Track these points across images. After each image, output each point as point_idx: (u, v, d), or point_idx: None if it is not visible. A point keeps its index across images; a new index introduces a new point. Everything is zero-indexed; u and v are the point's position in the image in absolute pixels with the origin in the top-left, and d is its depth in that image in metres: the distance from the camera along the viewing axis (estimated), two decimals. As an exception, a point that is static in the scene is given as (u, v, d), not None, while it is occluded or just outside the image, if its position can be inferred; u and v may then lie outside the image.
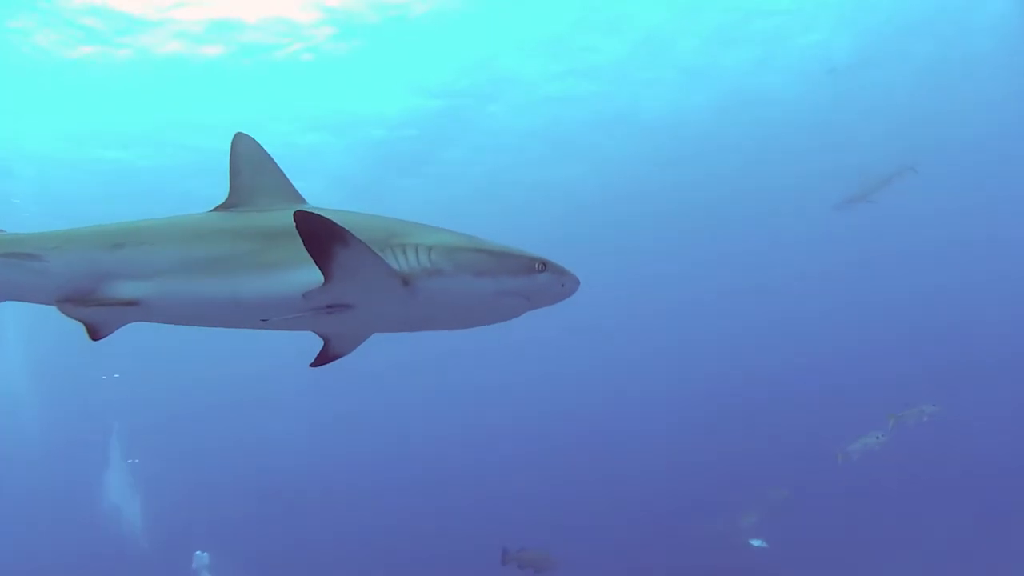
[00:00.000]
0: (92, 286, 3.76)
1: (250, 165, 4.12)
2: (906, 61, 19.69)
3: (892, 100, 20.96)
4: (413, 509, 21.92)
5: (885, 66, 19.75)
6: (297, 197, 4.14)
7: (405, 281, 3.46)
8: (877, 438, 9.51)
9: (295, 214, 3.17)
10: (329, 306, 3.57)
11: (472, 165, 22.78)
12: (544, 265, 3.64)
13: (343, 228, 3.19)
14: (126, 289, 3.74)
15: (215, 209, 4.13)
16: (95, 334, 3.94)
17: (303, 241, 3.24)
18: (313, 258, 3.30)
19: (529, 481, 21.82)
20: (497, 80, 19.01)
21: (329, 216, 3.55)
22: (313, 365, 4.32)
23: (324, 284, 3.41)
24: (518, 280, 3.60)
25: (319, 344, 4.17)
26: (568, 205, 24.57)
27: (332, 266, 3.32)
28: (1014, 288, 24.81)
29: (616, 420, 25.36)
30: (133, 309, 3.76)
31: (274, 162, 4.15)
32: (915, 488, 16.51)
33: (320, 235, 3.23)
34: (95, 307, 3.74)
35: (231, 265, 3.68)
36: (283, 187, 4.14)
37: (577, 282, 3.76)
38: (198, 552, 15.65)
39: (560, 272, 3.70)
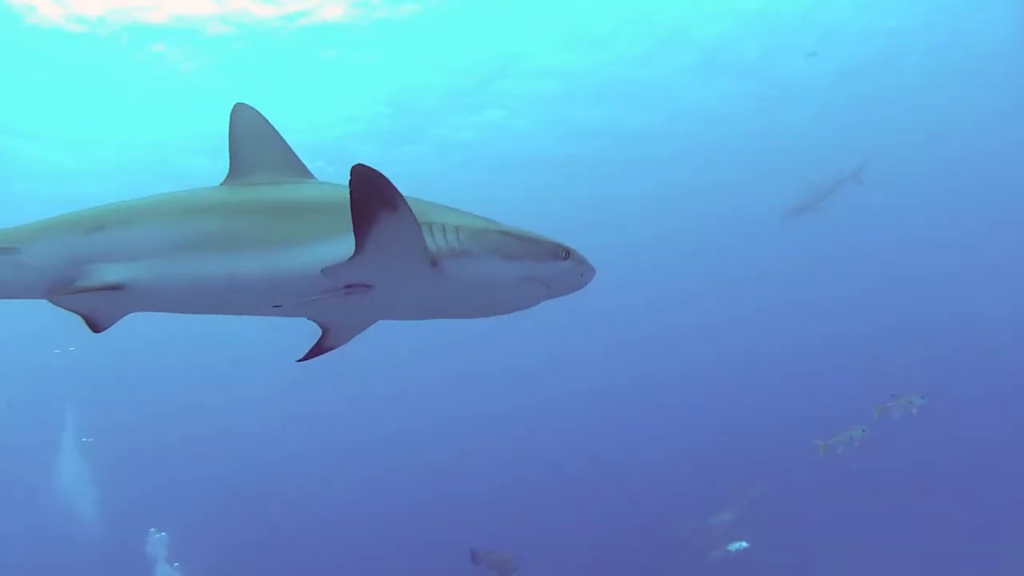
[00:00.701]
0: (73, 273, 3.50)
1: (251, 137, 3.83)
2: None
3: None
4: (379, 503, 21.88)
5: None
6: (304, 171, 3.88)
7: (433, 262, 3.27)
8: (862, 431, 9.42)
9: (353, 167, 2.90)
10: (348, 286, 3.32)
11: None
12: (568, 252, 3.53)
13: (399, 192, 2.96)
14: (107, 273, 3.45)
15: (223, 184, 3.86)
16: (94, 325, 3.70)
17: (353, 200, 2.96)
18: (355, 223, 3.02)
19: (499, 480, 21.77)
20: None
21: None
22: (303, 359, 4.09)
23: (352, 258, 3.13)
24: (543, 266, 3.48)
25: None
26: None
27: (371, 236, 3.06)
28: (988, 283, 25.16)
29: (587, 418, 25.21)
30: (121, 294, 3.46)
31: (278, 133, 3.87)
32: (901, 483, 16.52)
33: (374, 196, 2.96)
34: (79, 295, 3.47)
35: (231, 241, 3.39)
36: (288, 160, 3.86)
37: (594, 272, 3.66)
38: (153, 530, 15.50)
39: (581, 261, 3.59)
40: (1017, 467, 16.67)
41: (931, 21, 18.51)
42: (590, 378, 27.79)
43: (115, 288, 3.43)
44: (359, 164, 2.90)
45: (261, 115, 3.85)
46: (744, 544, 12.65)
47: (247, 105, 3.86)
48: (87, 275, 3.47)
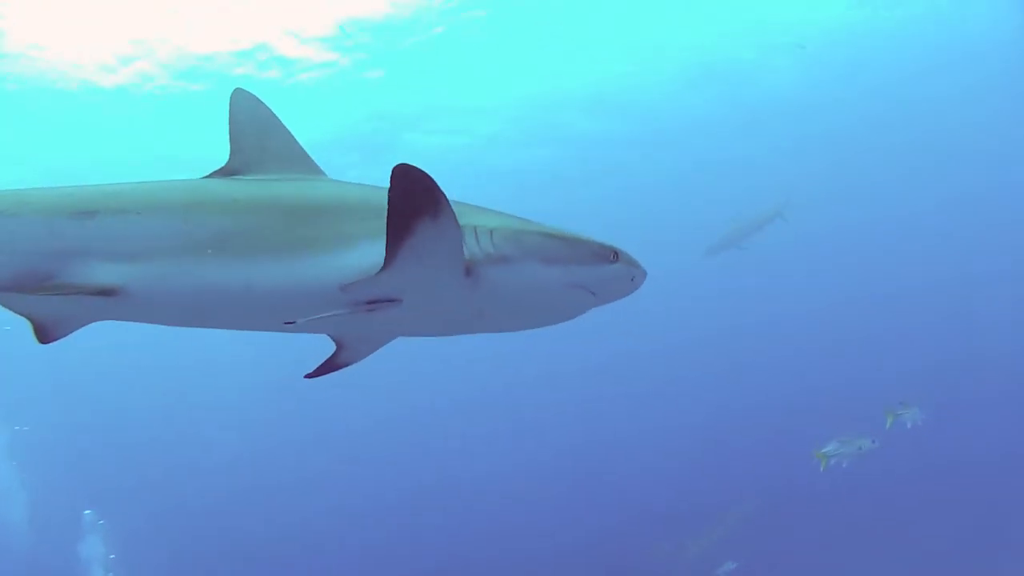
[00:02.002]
0: (52, 267, 2.95)
1: (254, 125, 3.45)
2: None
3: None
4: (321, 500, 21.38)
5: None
6: (315, 166, 3.50)
7: (467, 269, 2.95)
8: (872, 442, 8.94)
9: (396, 167, 2.58)
10: (373, 301, 2.95)
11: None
12: (616, 255, 3.24)
13: (445, 195, 2.66)
14: (100, 272, 2.94)
15: (213, 174, 3.43)
16: (45, 334, 3.20)
17: (392, 204, 2.63)
18: (391, 230, 2.69)
19: (466, 499, 21.07)
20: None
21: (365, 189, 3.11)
22: (312, 376, 3.69)
23: (383, 270, 2.79)
24: (589, 270, 3.18)
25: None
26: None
27: (408, 246, 2.73)
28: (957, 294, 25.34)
29: (562, 430, 24.56)
30: (111, 301, 2.97)
31: (282, 123, 3.48)
32: (898, 499, 16.08)
33: (417, 200, 2.64)
34: (56, 295, 2.93)
35: (247, 244, 2.99)
36: (295, 153, 3.48)
37: (645, 275, 3.38)
38: (87, 512, 15.45)
39: (632, 263, 3.30)
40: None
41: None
42: (568, 391, 27.14)
43: (105, 293, 2.93)
44: (402, 164, 2.58)
45: (262, 102, 3.46)
46: (732, 565, 12.18)
47: (246, 91, 3.46)
48: (72, 272, 2.95)
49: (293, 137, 3.44)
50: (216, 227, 2.99)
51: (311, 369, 3.60)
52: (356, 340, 3.58)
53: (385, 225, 2.69)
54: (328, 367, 3.65)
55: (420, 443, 23.95)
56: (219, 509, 20.87)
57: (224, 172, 3.39)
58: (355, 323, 3.17)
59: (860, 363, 22.68)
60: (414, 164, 2.58)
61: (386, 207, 2.73)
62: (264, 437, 24.90)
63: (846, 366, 22.60)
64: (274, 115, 3.42)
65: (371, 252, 2.84)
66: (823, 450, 8.91)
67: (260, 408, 26.05)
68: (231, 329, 3.27)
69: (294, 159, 3.42)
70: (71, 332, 3.24)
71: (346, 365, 3.66)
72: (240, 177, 3.34)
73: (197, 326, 3.21)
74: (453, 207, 2.96)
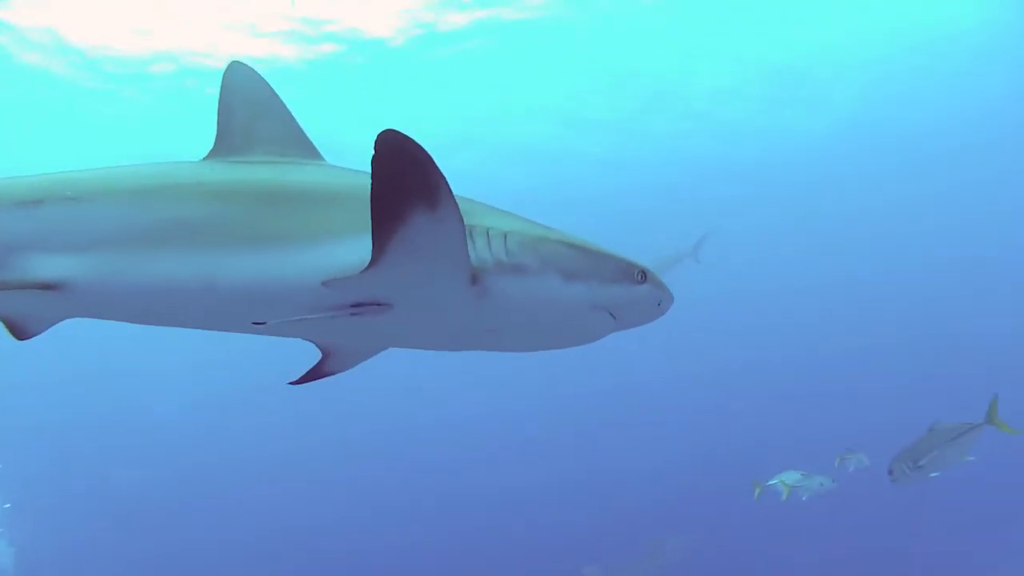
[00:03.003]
0: None
1: (247, 104, 3.17)
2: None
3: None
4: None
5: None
6: (311, 149, 3.21)
7: (474, 277, 2.63)
8: (832, 482, 8.98)
9: (380, 133, 2.21)
10: (358, 304, 2.66)
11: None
12: (644, 275, 2.97)
13: (440, 172, 2.30)
14: (44, 265, 2.73)
15: (207, 157, 3.18)
16: (17, 331, 3.00)
17: (376, 183, 2.28)
18: (376, 216, 2.35)
19: (375, 522, 20.54)
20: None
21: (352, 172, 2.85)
22: (297, 383, 3.47)
23: (369, 266, 2.48)
24: (615, 290, 2.90)
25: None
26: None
27: (397, 238, 2.40)
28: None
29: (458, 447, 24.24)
30: (56, 296, 2.73)
31: (282, 102, 3.21)
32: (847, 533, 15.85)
33: (408, 179, 2.29)
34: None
35: (214, 235, 2.71)
36: (292, 134, 3.19)
37: (672, 300, 3.12)
38: None
39: (660, 286, 3.04)
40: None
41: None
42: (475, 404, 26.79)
43: (48, 287, 2.70)
44: (389, 129, 2.21)
45: (261, 77, 3.20)
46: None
47: (244, 64, 3.20)
48: (14, 265, 2.73)
49: (292, 118, 3.19)
50: (176, 215, 2.73)
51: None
52: (343, 348, 3.34)
53: None
54: (314, 375, 3.42)
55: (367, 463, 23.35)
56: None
57: (209, 156, 3.14)
58: (338, 328, 2.90)
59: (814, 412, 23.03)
60: (402, 132, 2.22)
61: None
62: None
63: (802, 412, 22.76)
64: (274, 93, 3.16)
65: (360, 248, 2.53)
66: (780, 478, 8.99)
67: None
68: (195, 328, 3.00)
69: (289, 143, 3.14)
70: (46, 328, 3.04)
71: (333, 373, 3.43)
72: (216, 159, 3.09)
73: (157, 324, 2.93)
74: (463, 204, 2.69)
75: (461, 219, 2.41)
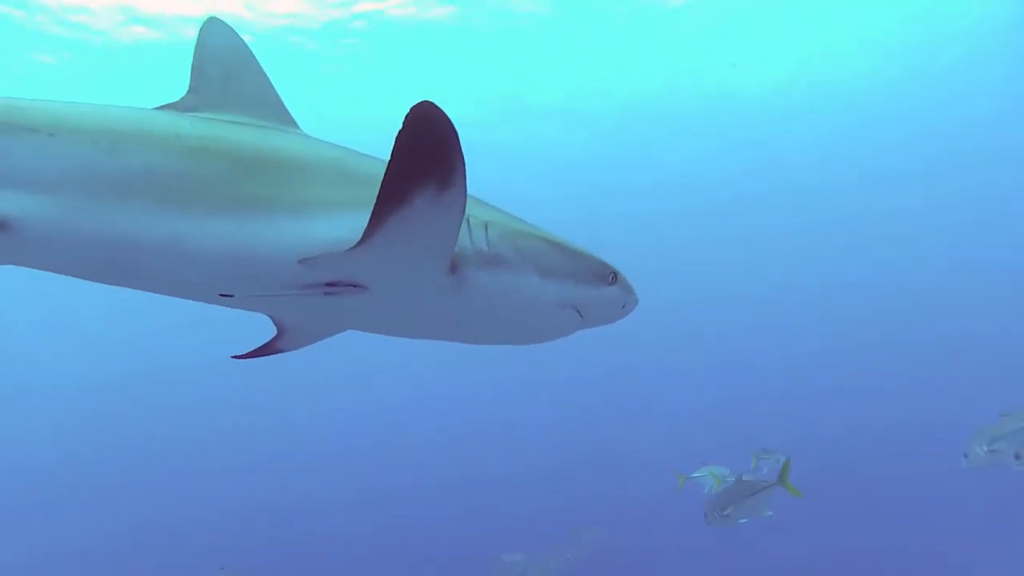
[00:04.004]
0: None
1: (222, 59, 3.06)
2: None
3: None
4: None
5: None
6: (287, 116, 3.11)
7: (453, 266, 2.59)
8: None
9: (415, 105, 2.12)
10: (332, 283, 2.57)
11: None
12: (615, 276, 3.04)
13: (463, 160, 2.24)
14: None
15: (163, 107, 3.00)
16: None
17: (399, 153, 2.18)
18: (386, 189, 2.24)
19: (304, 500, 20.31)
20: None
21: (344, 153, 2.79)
22: (244, 357, 3.39)
23: (359, 244, 2.37)
24: (586, 290, 2.95)
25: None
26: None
27: (399, 213, 2.30)
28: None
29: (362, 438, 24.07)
30: (2, 235, 2.49)
31: (258, 64, 3.11)
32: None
33: (430, 154, 2.20)
34: None
35: (184, 191, 2.54)
36: (268, 99, 3.08)
37: (636, 303, 3.19)
38: None
39: (628, 289, 3.12)
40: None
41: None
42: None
43: None
44: (425, 101, 2.12)
45: (239, 36, 3.09)
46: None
47: (221, 20, 3.09)
48: None
49: (269, 81, 3.09)
50: (148, 164, 2.53)
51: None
52: (301, 326, 3.27)
53: (362, 195, 2.37)
54: (264, 351, 3.34)
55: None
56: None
57: (177, 107, 2.97)
58: (306, 307, 2.81)
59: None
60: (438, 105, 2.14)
61: (366, 175, 2.47)
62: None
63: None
64: (250, 53, 3.07)
65: (341, 225, 2.48)
66: (708, 471, 9.01)
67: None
68: (151, 292, 2.81)
69: (265, 106, 3.03)
70: None
71: (285, 351, 3.37)
72: (195, 114, 2.92)
73: (109, 282, 2.74)
74: None
75: (463, 208, 2.35)
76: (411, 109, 2.12)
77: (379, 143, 2.69)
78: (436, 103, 2.13)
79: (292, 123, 3.09)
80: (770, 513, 7.12)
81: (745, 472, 9.25)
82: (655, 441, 19.60)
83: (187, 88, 3.01)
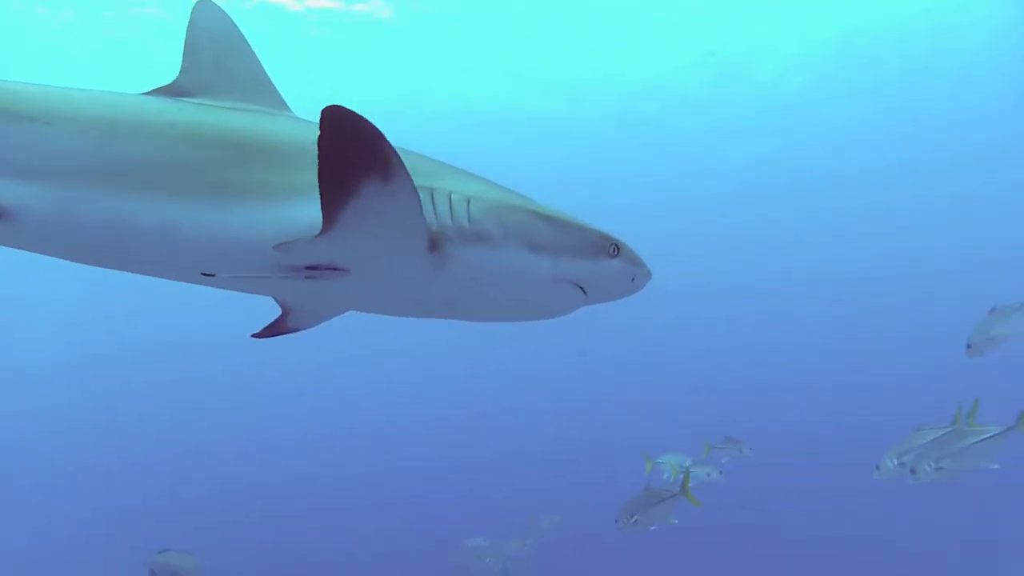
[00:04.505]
0: None
1: (213, 42, 3.09)
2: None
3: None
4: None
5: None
6: (278, 99, 3.16)
7: (432, 244, 2.57)
8: (720, 473, 8.95)
9: (325, 109, 2.18)
10: (312, 267, 2.61)
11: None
12: (617, 248, 2.91)
13: (390, 145, 2.27)
14: None
15: (155, 91, 3.05)
16: None
17: (322, 156, 2.25)
18: (323, 184, 2.31)
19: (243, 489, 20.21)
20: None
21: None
22: (258, 336, 3.44)
23: (322, 233, 2.43)
24: (583, 264, 2.83)
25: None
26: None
27: (346, 205, 2.35)
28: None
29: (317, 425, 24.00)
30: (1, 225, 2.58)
31: (249, 46, 3.16)
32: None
33: (354, 148, 2.25)
34: None
35: (175, 178, 2.61)
36: (258, 81, 3.13)
37: (649, 276, 3.07)
38: None
39: (634, 261, 2.98)
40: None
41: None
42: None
43: None
44: (334, 105, 2.19)
45: (230, 18, 3.13)
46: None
47: (212, 2, 3.12)
48: None
49: (259, 63, 3.13)
50: (142, 152, 2.61)
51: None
52: (302, 306, 3.32)
53: None
54: (274, 330, 3.41)
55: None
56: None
57: (169, 91, 3.02)
58: (294, 289, 2.88)
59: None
60: (348, 107, 2.19)
61: None
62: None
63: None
64: (241, 35, 3.11)
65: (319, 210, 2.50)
66: (667, 459, 9.08)
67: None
68: (140, 274, 2.89)
69: (255, 88, 3.07)
70: None
71: (295, 330, 3.41)
72: (186, 99, 2.98)
73: (100, 265, 2.83)
74: (427, 166, 2.75)
75: (415, 191, 2.36)
76: (322, 114, 2.19)
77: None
78: (342, 104, 2.19)
79: (283, 105, 3.14)
80: (675, 521, 7.31)
81: (697, 461, 9.25)
82: (622, 429, 19.78)
83: (179, 69, 3.05)
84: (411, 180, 2.33)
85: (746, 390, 22.14)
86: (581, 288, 2.90)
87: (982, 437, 5.95)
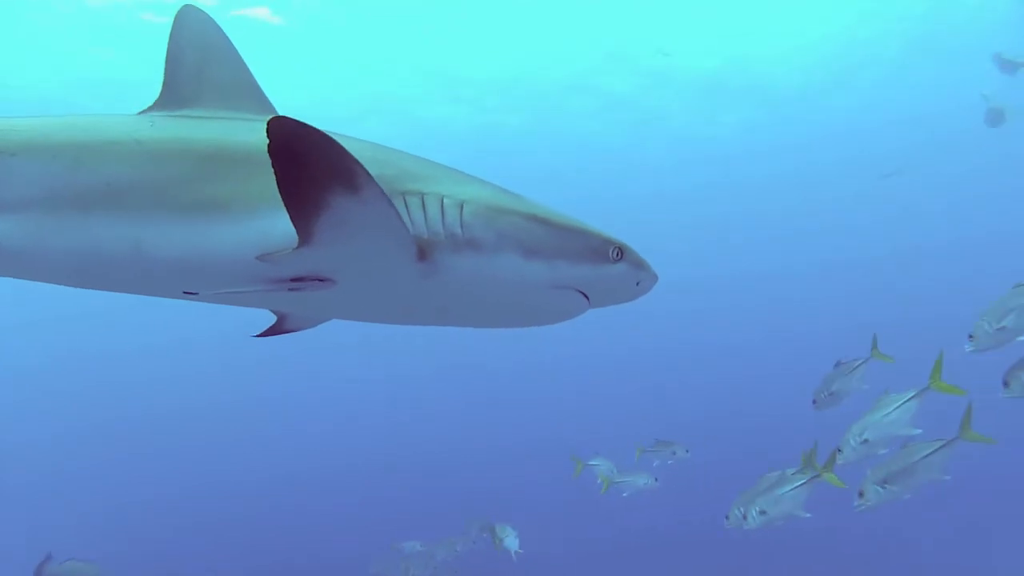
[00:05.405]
0: None
1: (197, 49, 3.08)
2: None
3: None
4: None
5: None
6: (265, 104, 3.14)
7: (421, 252, 2.51)
8: (656, 480, 8.83)
9: (270, 121, 2.13)
10: (297, 279, 2.59)
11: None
12: (621, 252, 2.82)
13: (349, 154, 2.19)
14: None
15: (146, 111, 3.08)
16: None
17: (278, 168, 2.19)
18: (286, 199, 2.26)
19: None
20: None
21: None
22: (260, 336, 3.50)
23: (299, 246, 2.41)
24: (584, 269, 2.74)
25: None
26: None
27: (316, 218, 2.31)
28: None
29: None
30: None
31: (235, 51, 3.14)
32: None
33: (308, 161, 2.19)
34: None
35: (143, 198, 2.60)
36: (244, 87, 3.11)
37: (655, 280, 2.99)
38: None
39: (639, 264, 2.89)
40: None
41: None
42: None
43: None
44: (280, 116, 2.13)
45: (215, 23, 3.14)
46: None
47: (197, 8, 3.12)
48: None
49: (246, 67, 3.10)
50: (109, 175, 2.61)
51: None
52: (294, 314, 3.36)
53: None
54: (274, 331, 3.45)
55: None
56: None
57: (153, 108, 3.04)
58: (280, 301, 2.85)
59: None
60: (294, 118, 2.13)
61: None
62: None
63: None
64: (227, 40, 3.09)
65: None
66: (598, 462, 9.11)
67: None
68: (125, 293, 2.91)
69: (241, 94, 3.05)
70: None
71: (293, 331, 3.45)
72: (163, 114, 2.98)
73: (81, 287, 2.84)
74: (413, 167, 2.72)
75: (386, 198, 2.30)
76: (268, 128, 2.14)
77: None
78: (290, 116, 2.15)
79: (271, 110, 3.09)
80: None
81: (627, 468, 9.11)
82: (562, 433, 19.89)
83: (162, 81, 3.06)
84: (378, 186, 2.26)
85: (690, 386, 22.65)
86: (584, 293, 2.84)
87: (793, 486, 6.01)
